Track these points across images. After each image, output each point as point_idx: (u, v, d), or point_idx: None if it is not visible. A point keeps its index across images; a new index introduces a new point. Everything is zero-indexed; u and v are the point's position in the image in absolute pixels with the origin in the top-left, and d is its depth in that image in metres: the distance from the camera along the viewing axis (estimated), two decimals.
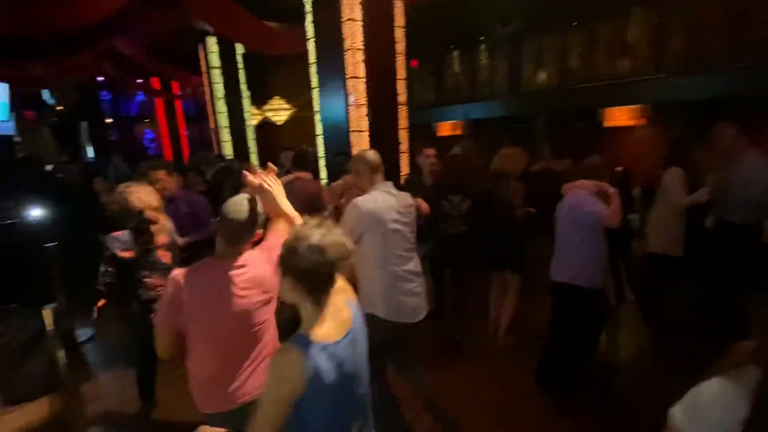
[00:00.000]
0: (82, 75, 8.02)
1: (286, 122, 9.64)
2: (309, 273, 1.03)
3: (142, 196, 2.04)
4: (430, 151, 3.56)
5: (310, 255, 1.02)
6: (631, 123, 6.27)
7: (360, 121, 3.98)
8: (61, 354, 2.21)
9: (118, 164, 6.71)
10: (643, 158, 5.00)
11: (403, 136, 4.29)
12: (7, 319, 2.85)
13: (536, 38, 6.71)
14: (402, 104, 4.20)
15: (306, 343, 1.03)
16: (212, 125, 7.30)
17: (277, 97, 9.33)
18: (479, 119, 7.60)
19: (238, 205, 1.40)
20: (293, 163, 3.45)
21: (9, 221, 4.39)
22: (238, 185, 2.44)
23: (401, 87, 4.16)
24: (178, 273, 1.40)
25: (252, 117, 7.65)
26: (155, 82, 9.40)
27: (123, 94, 10.93)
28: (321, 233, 1.05)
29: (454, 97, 7.84)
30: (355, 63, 3.80)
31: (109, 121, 10.98)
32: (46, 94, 8.69)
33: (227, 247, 1.43)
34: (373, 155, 2.05)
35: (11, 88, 6.46)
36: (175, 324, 1.39)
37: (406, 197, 2.09)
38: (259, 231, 1.48)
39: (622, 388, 2.69)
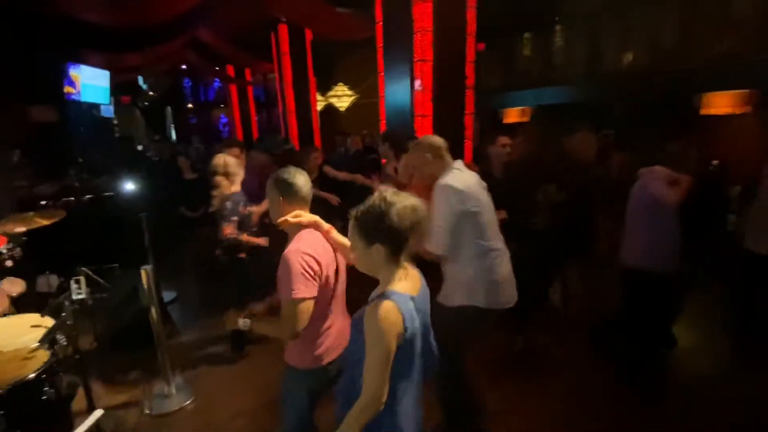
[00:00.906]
0: (169, 63, 8.79)
1: (348, 109, 9.82)
2: (396, 235, 1.12)
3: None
4: (505, 139, 3.22)
5: (401, 217, 1.10)
6: (733, 110, 5.49)
7: (424, 105, 3.92)
8: (154, 309, 2.48)
9: (197, 145, 7.28)
10: (745, 151, 4.39)
11: (469, 121, 4.17)
12: (109, 277, 3.26)
13: (620, 15, 6.10)
14: (469, 88, 4.07)
15: (396, 295, 1.12)
16: (280, 110, 7.65)
17: (340, 83, 9.51)
18: (550, 105, 7.14)
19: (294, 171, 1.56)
20: (383, 141, 3.54)
21: (109, 193, 5.03)
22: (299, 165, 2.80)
23: (470, 70, 4.02)
24: (302, 245, 1.43)
25: (317, 103, 7.88)
26: (230, 70, 10.03)
27: (202, 82, 11.83)
28: (402, 198, 1.14)
29: (523, 82, 7.43)
30: (424, 45, 3.74)
31: (189, 106, 11.98)
32: (140, 81, 9.66)
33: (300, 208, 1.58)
34: (437, 138, 2.02)
35: (111, 76, 7.26)
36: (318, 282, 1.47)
37: (478, 176, 2.04)
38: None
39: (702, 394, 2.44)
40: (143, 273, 2.44)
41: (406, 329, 1.09)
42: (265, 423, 2.34)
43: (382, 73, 4.29)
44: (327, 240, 1.55)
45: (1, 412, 1.69)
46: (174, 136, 11.23)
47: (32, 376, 1.83)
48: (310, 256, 1.42)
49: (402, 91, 4.02)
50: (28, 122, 5.85)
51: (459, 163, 2.00)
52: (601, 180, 2.81)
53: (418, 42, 3.72)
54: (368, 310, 1.12)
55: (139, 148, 7.58)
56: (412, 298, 1.15)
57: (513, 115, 8.17)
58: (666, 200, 2.23)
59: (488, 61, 7.88)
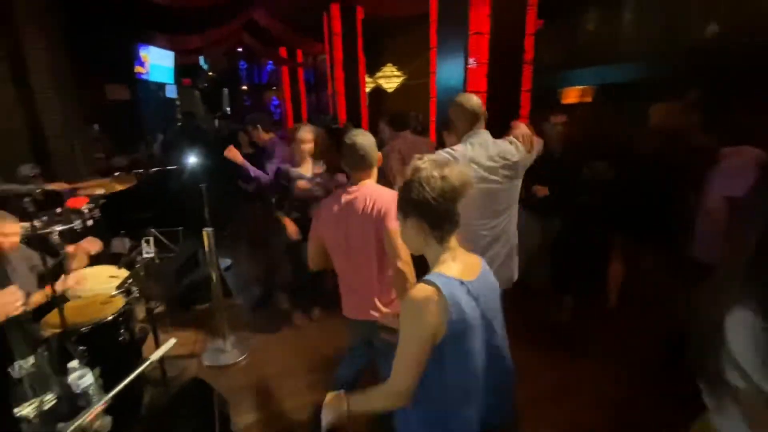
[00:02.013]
0: (227, 45, 9.17)
1: (396, 90, 9.72)
2: (432, 206, 0.99)
3: None
4: (560, 117, 3.09)
5: (433, 183, 0.98)
6: None
7: (478, 81, 3.78)
8: (214, 270, 2.64)
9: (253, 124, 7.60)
10: None
11: (525, 99, 3.96)
12: (174, 240, 3.53)
13: None
14: (527, 63, 3.85)
15: (441, 278, 0.98)
16: (330, 91, 7.73)
17: (389, 64, 9.41)
18: (616, 84, 6.58)
19: (357, 134, 1.61)
20: (389, 123, 3.51)
21: (174, 166, 5.40)
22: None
23: (529, 43, 3.80)
24: (326, 199, 1.71)
25: (366, 84, 7.88)
26: (283, 51, 10.27)
27: (256, 64, 12.24)
28: (440, 165, 1.02)
29: (586, 58, 6.90)
30: (480, 17, 3.58)
31: (244, 88, 12.47)
32: (201, 62, 10.18)
33: (354, 174, 1.63)
34: (474, 99, 1.91)
35: (175, 57, 7.71)
36: (317, 239, 1.69)
37: (508, 148, 1.91)
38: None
39: None
40: (205, 234, 2.60)
41: (451, 319, 0.95)
42: (311, 381, 2.48)
43: (435, 49, 4.17)
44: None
45: (84, 347, 1.89)
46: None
47: (110, 318, 2.04)
48: None
49: (455, 66, 3.89)
50: (104, 100, 6.40)
51: (484, 134, 1.89)
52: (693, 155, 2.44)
53: (474, 14, 3.57)
54: (410, 293, 1.00)
55: (202, 124, 8.04)
56: (465, 283, 1.00)
57: (572, 95, 7.64)
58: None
59: (545, 36, 7.38)
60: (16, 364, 1.39)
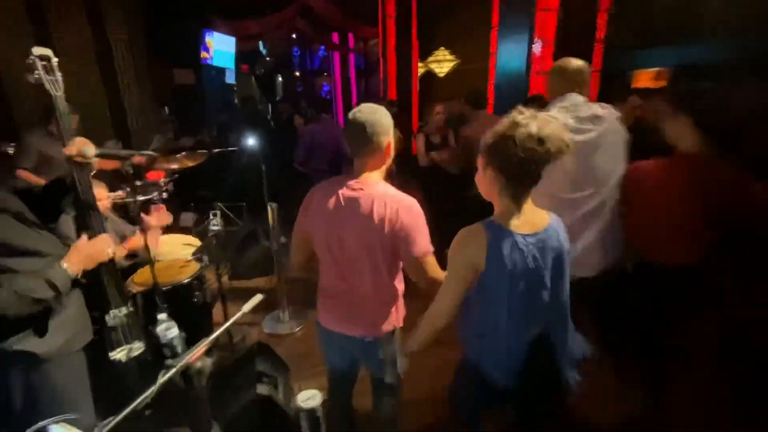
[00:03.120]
0: (283, 31, 9.41)
1: (447, 75, 9.48)
2: (519, 164, 0.99)
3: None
4: (636, 100, 2.87)
5: (527, 143, 0.96)
6: None
7: (544, 61, 3.59)
8: (275, 244, 2.76)
9: (305, 108, 7.81)
10: None
11: (594, 81, 3.72)
12: (238, 215, 3.73)
13: None
14: (599, 42, 3.60)
15: (493, 224, 1.07)
16: (381, 77, 7.71)
17: (441, 48, 9.18)
18: (697, 65, 5.92)
19: (361, 109, 1.24)
20: (467, 101, 3.39)
21: (234, 148, 5.69)
22: None
23: (602, 20, 3.55)
24: (318, 187, 1.38)
25: (418, 69, 7.77)
26: (335, 37, 10.36)
27: (309, 50, 12.47)
28: (539, 122, 0.99)
29: (663, 36, 6.27)
30: None
31: (297, 74, 12.77)
32: (260, 47, 10.56)
33: (355, 160, 1.31)
34: (574, 63, 1.76)
35: (236, 43, 8.04)
36: (303, 233, 1.40)
37: (604, 112, 1.73)
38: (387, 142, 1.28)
39: None
40: (269, 209, 2.72)
41: (490, 259, 1.03)
42: None
43: (496, 28, 4.01)
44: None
45: (165, 305, 2.07)
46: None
47: (186, 280, 2.21)
48: None
49: (518, 46, 3.72)
50: (172, 84, 6.83)
51: (576, 98, 1.73)
52: None
53: None
54: (462, 229, 1.11)
55: (260, 108, 8.38)
56: (515, 235, 1.04)
57: (645, 79, 6.99)
58: None
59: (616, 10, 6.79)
60: (111, 312, 1.56)
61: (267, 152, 4.63)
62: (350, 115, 1.25)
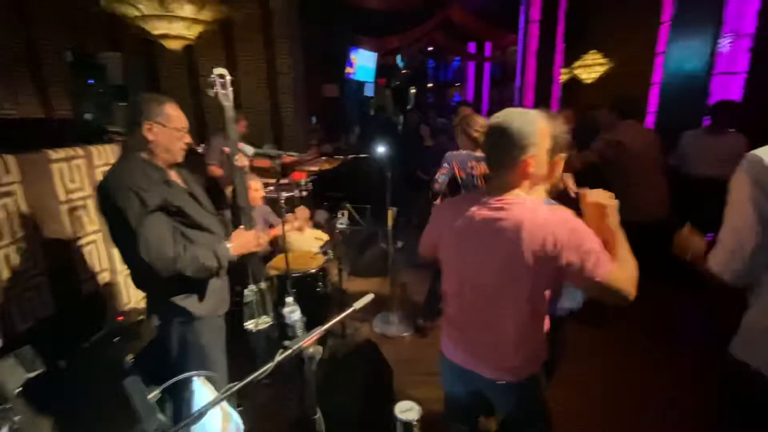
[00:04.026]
0: (420, 45, 9.78)
1: (594, 81, 8.42)
2: None
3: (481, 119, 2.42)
4: None
5: None
6: None
7: (736, 59, 2.87)
8: (392, 247, 2.84)
9: (433, 117, 7.94)
10: None
11: None
12: (363, 215, 3.97)
13: None
14: None
15: None
16: (518, 84, 7.31)
17: (592, 51, 8.21)
18: None
19: (506, 114, 1.07)
20: (614, 108, 2.92)
21: (365, 154, 6.13)
22: None
23: None
24: (448, 200, 1.28)
25: (561, 75, 7.11)
26: (471, 47, 10.28)
27: (443, 62, 12.69)
28: None
29: None
30: None
31: (429, 85, 13.12)
32: (398, 60, 11.23)
33: (493, 175, 1.14)
34: None
35: (377, 58, 8.68)
36: (430, 244, 1.30)
37: None
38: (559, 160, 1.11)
39: None
40: (389, 213, 2.81)
41: None
42: None
43: (667, 23, 3.38)
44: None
45: (293, 290, 2.31)
46: None
47: (314, 270, 2.43)
48: None
49: (698, 43, 3.06)
50: (320, 96, 7.75)
51: None
52: None
53: None
54: None
55: (392, 118, 8.88)
56: None
57: None
58: None
59: None
60: (249, 288, 1.80)
61: (393, 159, 4.86)
62: (490, 121, 1.11)
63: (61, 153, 2.06)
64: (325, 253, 2.74)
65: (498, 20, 7.88)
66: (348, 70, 7.88)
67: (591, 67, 8.22)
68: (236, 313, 1.80)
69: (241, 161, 1.69)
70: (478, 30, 8.27)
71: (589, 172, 2.63)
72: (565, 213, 1.05)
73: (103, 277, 2.30)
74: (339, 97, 8.30)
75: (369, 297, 1.11)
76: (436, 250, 1.26)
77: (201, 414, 0.77)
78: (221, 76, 1.52)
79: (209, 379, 1.00)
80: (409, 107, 9.51)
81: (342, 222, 3.07)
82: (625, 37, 6.68)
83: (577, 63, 8.48)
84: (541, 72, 6.77)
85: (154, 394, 0.84)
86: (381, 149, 5.18)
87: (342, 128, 7.90)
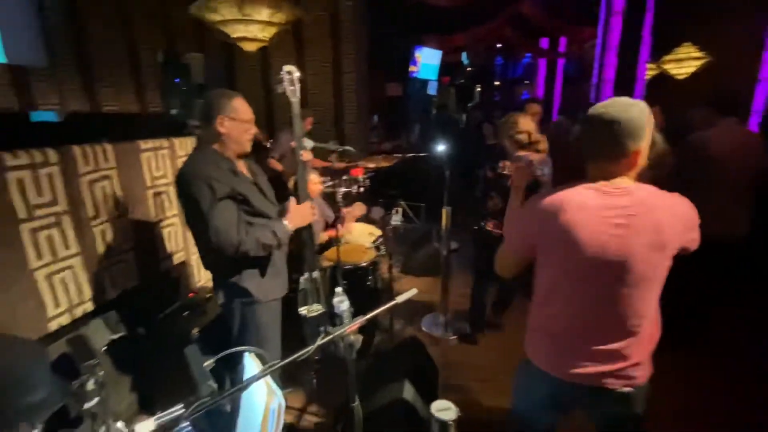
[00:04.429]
0: (488, 42, 9.47)
1: (688, 77, 7.50)
2: None
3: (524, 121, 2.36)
4: None
5: None
6: None
7: None
8: (445, 248, 2.79)
9: (498, 116, 7.67)
10: None
11: None
12: (418, 213, 3.97)
13: None
14: None
15: None
16: (594, 81, 6.77)
17: (686, 44, 7.32)
18: None
19: (615, 104, 1.04)
20: (710, 106, 2.58)
21: (423, 153, 6.09)
22: None
23: None
24: (542, 194, 1.17)
25: (646, 71, 6.45)
26: (544, 43, 9.72)
27: (512, 59, 12.15)
28: None
29: None
30: None
31: (496, 83, 12.65)
32: (463, 58, 11.01)
33: (593, 165, 1.11)
34: None
35: (441, 56, 8.56)
36: (522, 248, 1.23)
37: None
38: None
39: None
40: (444, 212, 2.76)
41: None
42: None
43: None
44: None
45: (345, 282, 2.37)
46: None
47: (364, 264, 2.47)
48: None
49: None
50: (384, 95, 7.84)
51: None
52: None
53: None
54: None
55: (454, 116, 8.75)
56: None
57: None
58: None
59: None
60: (304, 276, 1.88)
61: (452, 158, 4.77)
62: (594, 110, 1.07)
63: (149, 144, 2.32)
64: (377, 248, 2.78)
65: (574, 13, 7.36)
66: (411, 68, 7.88)
67: (684, 62, 7.36)
68: (292, 300, 1.90)
69: (306, 156, 1.77)
70: (551, 25, 7.80)
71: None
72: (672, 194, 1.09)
73: (179, 257, 2.55)
74: (402, 95, 8.34)
75: (412, 291, 1.10)
76: (534, 250, 1.19)
77: (246, 385, 0.82)
78: (289, 72, 1.59)
79: (259, 356, 1.07)
80: (470, 104, 9.27)
81: (396, 219, 3.09)
82: (726, 27, 5.90)
83: (668, 57, 7.64)
84: (623, 68, 6.20)
85: (209, 363, 0.91)
86: (441, 147, 5.12)
87: (403, 127, 7.93)
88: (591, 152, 1.10)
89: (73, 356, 1.56)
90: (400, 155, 6.10)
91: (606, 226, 1.04)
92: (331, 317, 1.34)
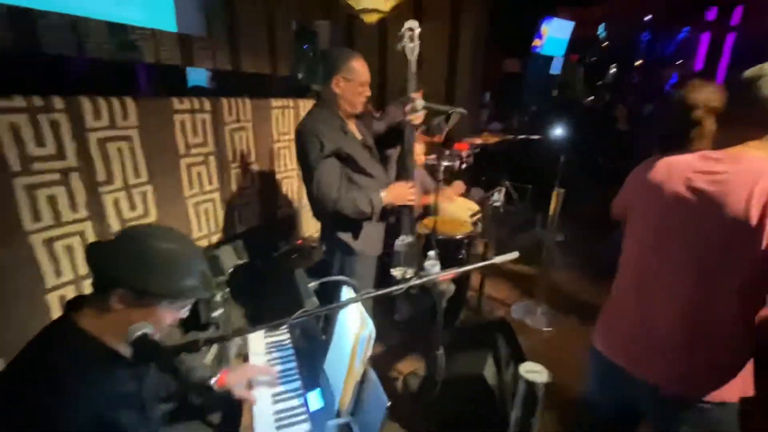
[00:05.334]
0: (633, 13, 8.16)
1: None
2: None
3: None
4: None
5: None
6: None
7: None
8: (550, 235, 2.59)
9: (637, 100, 6.68)
10: None
11: None
12: (522, 196, 3.74)
13: None
14: None
15: None
16: None
17: None
18: None
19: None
20: None
21: (537, 136, 5.64)
22: None
23: None
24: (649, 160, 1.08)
25: None
26: (710, 14, 7.99)
27: (664, 33, 10.26)
28: None
29: None
30: None
31: (637, 63, 10.89)
32: (600, 30, 9.73)
33: (725, 130, 0.99)
34: None
35: (573, 28, 7.66)
36: (619, 206, 1.16)
37: None
38: None
39: None
40: (554, 194, 2.55)
41: None
42: None
43: None
44: None
45: (437, 250, 2.37)
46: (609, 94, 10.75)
47: (459, 237, 2.44)
48: None
49: None
50: (499, 71, 7.38)
51: None
52: None
53: None
54: None
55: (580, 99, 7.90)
56: None
57: None
58: None
59: None
60: (400, 239, 1.93)
61: (573, 142, 4.32)
62: (748, 72, 0.94)
63: (279, 102, 2.59)
64: (474, 224, 2.71)
65: None
66: (536, 42, 7.23)
67: None
68: (386, 260, 1.98)
69: (417, 119, 1.78)
70: None
71: None
72: None
73: (293, 208, 2.85)
74: (520, 72, 7.75)
75: (514, 254, 1.06)
76: (626, 214, 1.13)
77: (343, 304, 0.90)
78: (411, 29, 1.60)
79: (354, 290, 1.15)
80: (600, 83, 8.20)
81: (497, 199, 2.95)
82: None
83: None
84: None
85: (313, 284, 1.02)
86: (558, 131, 4.69)
87: (517, 107, 7.41)
88: (730, 116, 0.99)
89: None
90: (510, 137, 5.76)
91: (683, 189, 0.94)
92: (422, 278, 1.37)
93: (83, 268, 1.60)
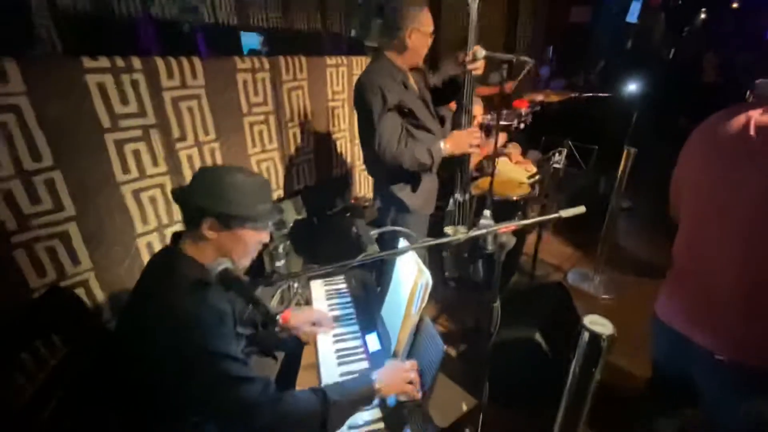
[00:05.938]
0: None
1: None
2: None
3: None
4: None
5: None
6: None
7: None
8: (616, 201, 2.44)
9: (729, 49, 5.79)
10: None
11: None
12: (587, 159, 3.48)
13: None
14: None
15: None
16: None
17: None
18: None
19: None
20: None
21: (606, 94, 5.13)
22: None
23: None
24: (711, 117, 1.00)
25: None
26: None
27: None
28: None
29: None
30: None
31: (735, 6, 9.33)
32: None
33: None
34: None
35: None
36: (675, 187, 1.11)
37: None
38: None
39: None
40: (625, 153, 2.36)
41: None
42: None
43: None
44: None
45: (491, 211, 2.32)
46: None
47: (515, 198, 2.37)
48: None
49: None
50: (565, 22, 6.69)
51: None
52: None
53: None
54: None
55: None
56: None
57: None
58: None
59: None
60: (454, 197, 1.92)
61: (648, 98, 3.89)
62: None
63: (332, 60, 2.57)
64: (531, 186, 2.59)
65: None
66: None
67: None
68: (439, 218, 1.98)
69: (478, 69, 1.70)
70: None
71: None
72: None
73: (346, 168, 2.90)
74: (589, 22, 6.98)
75: (581, 209, 1.02)
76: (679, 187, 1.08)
77: (401, 251, 0.93)
78: None
79: (410, 239, 1.18)
80: (686, 30, 7.19)
81: (557, 161, 2.78)
82: None
83: None
84: None
85: (374, 232, 1.06)
86: (631, 86, 4.25)
87: (584, 61, 6.74)
88: None
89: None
90: (575, 95, 5.30)
91: (742, 145, 0.86)
92: (474, 241, 1.36)
93: (166, 218, 1.77)
